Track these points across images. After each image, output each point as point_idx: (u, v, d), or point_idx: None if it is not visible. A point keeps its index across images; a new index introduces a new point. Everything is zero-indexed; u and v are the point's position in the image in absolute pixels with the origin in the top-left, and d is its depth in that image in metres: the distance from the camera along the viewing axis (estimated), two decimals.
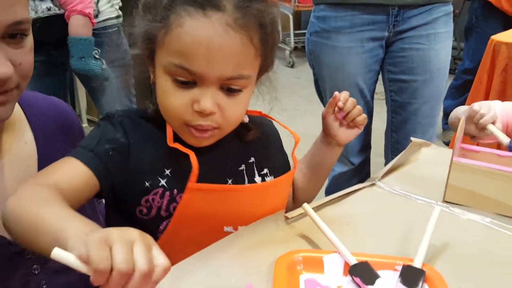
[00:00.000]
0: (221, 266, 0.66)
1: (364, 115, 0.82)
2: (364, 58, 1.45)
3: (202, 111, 0.66)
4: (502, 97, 1.80)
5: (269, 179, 0.81)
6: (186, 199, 0.69)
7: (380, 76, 1.56)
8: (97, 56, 1.43)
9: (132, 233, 0.46)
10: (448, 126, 2.55)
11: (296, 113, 3.09)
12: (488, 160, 0.82)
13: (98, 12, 1.54)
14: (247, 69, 0.67)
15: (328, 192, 1.60)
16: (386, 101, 1.58)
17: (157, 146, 0.73)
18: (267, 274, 0.64)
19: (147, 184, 0.71)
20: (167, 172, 0.72)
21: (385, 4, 1.36)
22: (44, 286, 0.72)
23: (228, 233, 0.74)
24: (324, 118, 0.83)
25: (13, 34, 0.61)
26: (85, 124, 2.70)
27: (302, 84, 3.61)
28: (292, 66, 4.34)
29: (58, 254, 0.45)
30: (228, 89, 0.67)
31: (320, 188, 0.92)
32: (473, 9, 2.70)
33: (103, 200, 0.81)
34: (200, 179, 0.69)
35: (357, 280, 0.62)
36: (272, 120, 0.84)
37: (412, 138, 1.02)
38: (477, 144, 1.00)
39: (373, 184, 0.90)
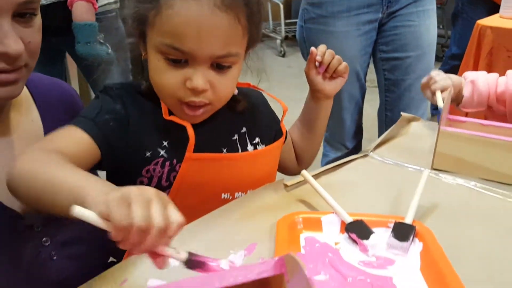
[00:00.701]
0: (224, 230, 0.70)
1: (345, 64, 0.86)
2: (360, 41, 1.47)
3: (194, 89, 0.69)
4: None
5: (260, 147, 0.85)
6: (184, 169, 0.73)
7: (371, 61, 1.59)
8: (101, 41, 1.45)
9: (149, 191, 0.48)
10: (435, 111, 2.61)
11: (288, 102, 3.11)
12: (473, 129, 0.88)
13: None
14: (235, 47, 0.70)
15: None
16: (378, 82, 1.61)
17: (153, 118, 0.75)
18: (269, 234, 0.69)
19: (147, 154, 0.74)
20: (165, 143, 0.75)
21: None
22: (55, 257, 0.74)
23: (226, 200, 0.78)
24: (307, 75, 0.87)
25: (23, 13, 0.63)
26: None
27: (293, 73, 3.63)
28: (283, 56, 4.37)
29: (78, 211, 0.47)
30: (218, 66, 0.70)
31: (319, 146, 0.97)
32: None
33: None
34: (196, 150, 0.73)
35: (353, 236, 0.67)
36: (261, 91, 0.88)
37: (402, 113, 1.07)
38: (466, 115, 1.05)
39: (365, 155, 0.95)
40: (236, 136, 0.82)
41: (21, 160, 0.62)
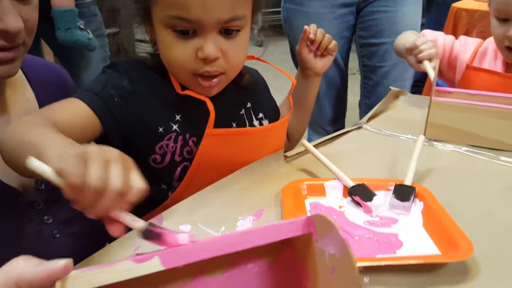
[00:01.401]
0: (231, 198, 0.71)
1: (334, 42, 0.89)
2: (336, 24, 1.48)
3: (206, 58, 0.69)
4: None
5: (265, 122, 0.86)
6: (204, 145, 0.72)
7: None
8: (82, 27, 1.43)
9: (111, 152, 0.46)
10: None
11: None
12: (461, 98, 0.91)
13: None
14: (241, 9, 0.70)
15: None
16: (360, 70, 1.62)
17: (164, 93, 0.75)
18: (275, 201, 0.71)
19: (160, 129, 0.73)
20: (178, 117, 0.75)
21: None
22: (57, 235, 0.75)
23: None
24: (299, 54, 0.90)
25: None
26: None
27: (273, 62, 3.67)
28: (260, 45, 4.37)
29: (33, 163, 0.44)
30: (227, 31, 0.70)
31: (307, 123, 1.00)
32: None
33: None
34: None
35: (357, 198, 0.69)
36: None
37: (391, 88, 1.10)
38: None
39: (359, 127, 0.97)
40: (243, 111, 0.83)
41: (11, 125, 0.61)
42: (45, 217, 0.74)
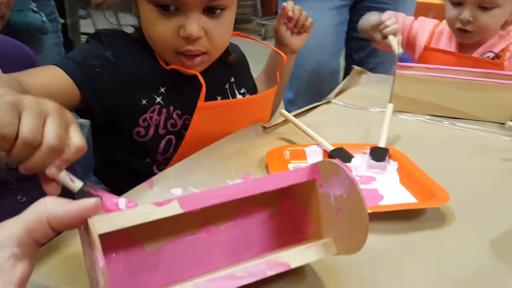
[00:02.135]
0: (217, 164, 0.73)
1: (311, 19, 0.92)
2: (331, 15, 1.45)
3: (188, 36, 0.68)
4: None
5: (247, 96, 0.88)
6: (196, 119, 0.73)
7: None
8: (35, 9, 1.38)
9: (49, 104, 0.42)
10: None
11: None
12: (421, 71, 0.98)
13: None
14: None
15: None
16: (345, 63, 1.62)
17: (149, 65, 0.75)
18: (259, 166, 0.73)
19: (143, 101, 0.73)
20: (162, 90, 0.75)
21: None
22: None
23: None
24: (277, 31, 0.93)
25: None
26: None
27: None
28: (264, 39, 4.39)
29: None
30: (211, 10, 0.69)
31: (281, 98, 1.03)
32: None
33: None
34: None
35: (337, 160, 0.73)
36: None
37: (354, 66, 1.16)
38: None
39: (328, 102, 1.02)
40: (227, 85, 0.84)
41: None
42: (18, 197, 0.72)
